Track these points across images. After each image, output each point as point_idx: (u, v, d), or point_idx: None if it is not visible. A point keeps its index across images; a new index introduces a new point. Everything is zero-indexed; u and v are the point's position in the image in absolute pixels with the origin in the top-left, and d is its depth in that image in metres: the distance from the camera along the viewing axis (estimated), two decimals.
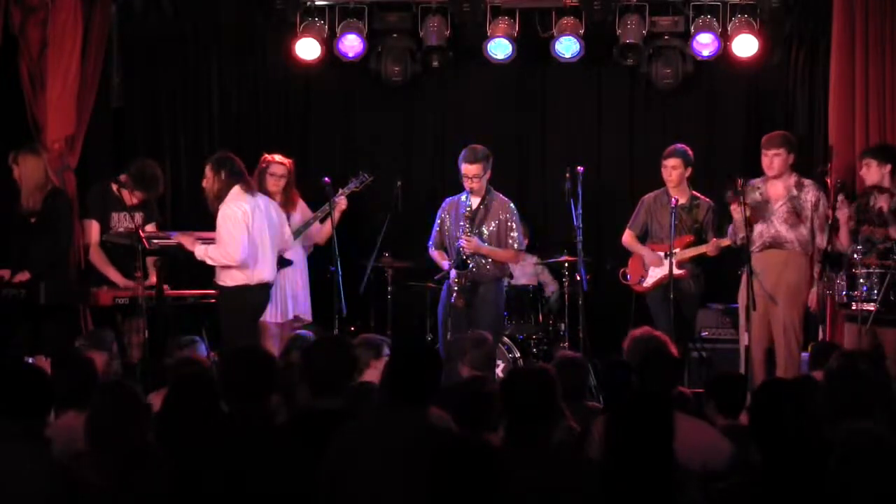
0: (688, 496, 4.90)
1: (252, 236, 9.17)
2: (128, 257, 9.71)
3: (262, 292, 9.37)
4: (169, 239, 9.70)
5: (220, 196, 9.21)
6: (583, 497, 4.86)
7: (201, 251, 9.24)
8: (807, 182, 10.05)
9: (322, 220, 10.70)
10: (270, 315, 10.05)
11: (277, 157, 10.58)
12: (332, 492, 5.10)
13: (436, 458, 4.48)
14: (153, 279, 9.71)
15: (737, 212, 9.82)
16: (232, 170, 9.26)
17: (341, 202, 10.61)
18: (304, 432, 5.52)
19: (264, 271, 9.31)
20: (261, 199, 9.44)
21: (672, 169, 10.61)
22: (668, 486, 4.63)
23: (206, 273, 9.91)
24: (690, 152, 10.66)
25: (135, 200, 10.03)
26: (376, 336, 7.91)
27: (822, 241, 9.84)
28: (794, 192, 9.96)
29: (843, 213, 9.69)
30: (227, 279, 9.23)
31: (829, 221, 9.67)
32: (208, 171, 9.34)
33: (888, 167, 9.87)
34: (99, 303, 9.83)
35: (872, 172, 9.84)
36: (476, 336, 8.09)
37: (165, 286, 9.67)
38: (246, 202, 9.21)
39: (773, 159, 9.99)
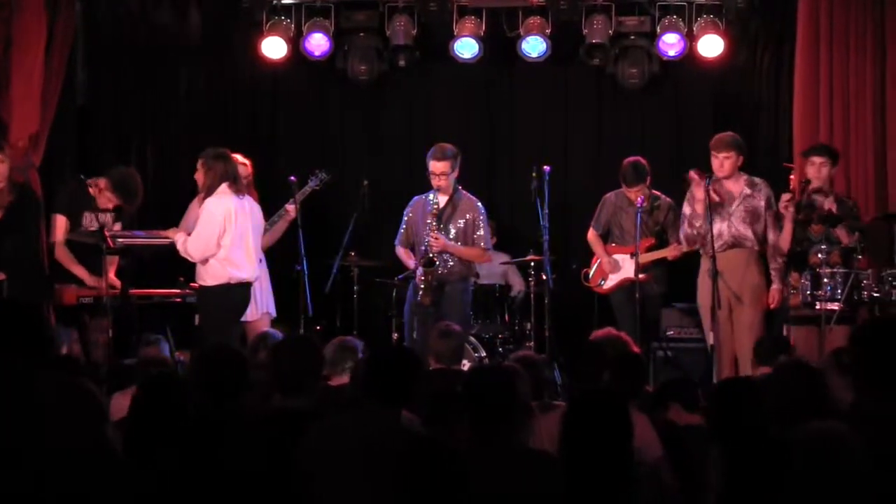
0: (644, 493, 4.92)
1: (234, 235, 9.23)
2: (93, 256, 9.69)
3: (241, 291, 9.40)
4: (134, 238, 9.70)
5: (209, 193, 9.26)
6: (547, 497, 4.85)
7: (180, 240, 9.29)
8: (758, 181, 10.15)
9: (272, 226, 10.65)
10: (251, 314, 10.02)
11: (240, 158, 10.44)
12: (303, 491, 5.09)
13: (404, 459, 4.47)
14: (113, 277, 9.71)
15: (699, 188, 9.84)
16: (224, 168, 9.29)
17: (290, 212, 10.53)
18: (273, 432, 5.50)
19: (244, 270, 9.35)
20: (246, 201, 9.50)
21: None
22: (624, 483, 4.64)
23: (170, 272, 9.92)
24: (643, 164, 10.75)
25: (109, 205, 10.02)
26: (352, 338, 7.90)
27: (774, 238, 9.92)
28: (748, 191, 10.04)
29: (790, 212, 9.75)
30: (208, 278, 9.28)
31: (786, 221, 9.74)
32: (200, 165, 9.35)
33: (834, 169, 9.97)
34: (63, 301, 9.81)
35: (824, 172, 9.88)
36: (441, 328, 8.09)
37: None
38: (232, 201, 9.25)
39: (723, 162, 10.03)
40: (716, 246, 9.81)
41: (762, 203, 10.03)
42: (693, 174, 9.99)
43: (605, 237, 11.00)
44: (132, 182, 10.07)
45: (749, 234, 9.98)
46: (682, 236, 10.30)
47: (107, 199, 10.01)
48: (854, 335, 5.16)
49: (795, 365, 5.88)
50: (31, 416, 4.54)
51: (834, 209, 9.78)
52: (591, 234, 11.00)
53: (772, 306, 10.01)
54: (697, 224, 9.94)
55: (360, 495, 4.97)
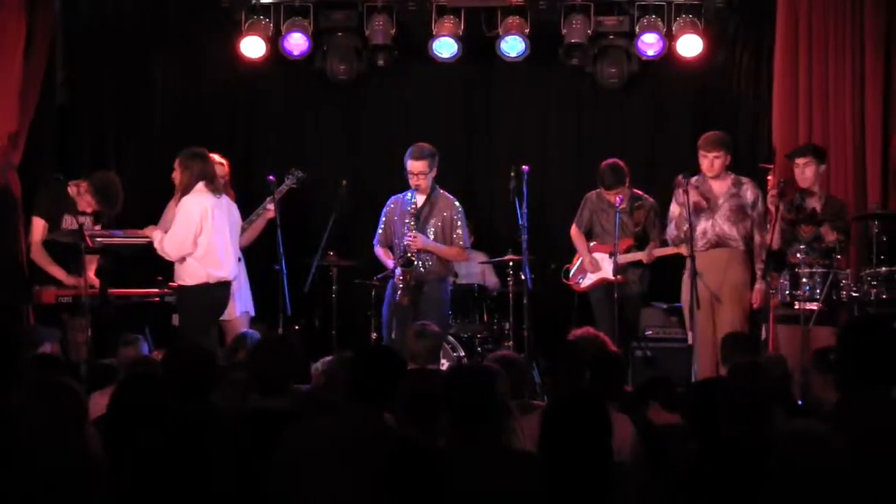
0: (624, 492, 4.92)
1: (211, 234, 9.25)
2: (72, 256, 9.67)
3: (221, 290, 9.42)
4: (113, 237, 9.69)
5: (186, 192, 9.28)
6: (528, 497, 4.85)
7: (157, 238, 9.31)
8: (745, 180, 10.19)
9: (249, 224, 10.61)
10: (230, 313, 10.01)
11: (216, 157, 10.40)
12: (283, 491, 5.08)
13: (386, 460, 4.47)
14: (92, 276, 9.70)
15: (681, 196, 9.87)
16: (202, 167, 9.31)
17: (269, 211, 10.50)
18: (251, 432, 5.49)
19: (224, 269, 9.38)
20: (223, 200, 9.50)
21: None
22: (603, 483, 4.65)
23: (149, 272, 9.90)
24: (620, 167, 10.71)
25: (88, 209, 10.01)
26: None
27: (760, 238, 9.96)
28: (734, 190, 10.08)
29: (774, 211, 9.78)
30: (187, 277, 9.29)
31: (773, 220, 9.74)
32: (177, 164, 9.37)
33: (823, 168, 9.99)
34: (42, 301, 9.78)
35: (810, 173, 9.90)
36: (417, 328, 8.08)
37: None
38: (208, 199, 9.25)
39: (713, 161, 10.06)
40: (699, 244, 9.86)
41: (748, 202, 10.05)
42: (676, 181, 10.00)
43: (588, 235, 10.99)
44: (113, 187, 10.05)
45: (734, 233, 9.99)
46: (667, 236, 10.34)
47: (86, 203, 10.00)
48: (839, 334, 5.18)
49: (746, 367, 5.90)
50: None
51: (819, 208, 9.81)
52: (574, 231, 10.99)
53: (755, 305, 10.02)
54: (685, 228, 9.92)
55: (342, 495, 4.96)
